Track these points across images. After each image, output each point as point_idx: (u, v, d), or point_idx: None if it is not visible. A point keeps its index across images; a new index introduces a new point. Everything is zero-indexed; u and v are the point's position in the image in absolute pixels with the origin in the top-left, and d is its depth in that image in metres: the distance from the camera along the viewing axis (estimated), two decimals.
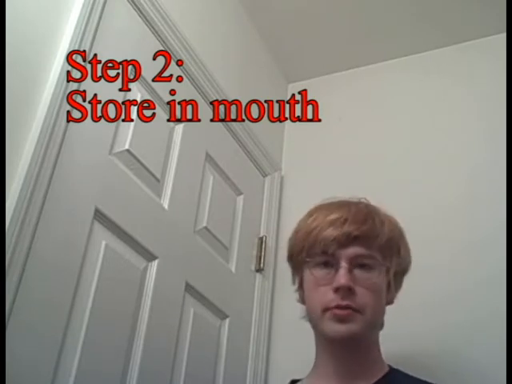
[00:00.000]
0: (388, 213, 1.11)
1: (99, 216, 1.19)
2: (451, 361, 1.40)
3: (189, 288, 1.43)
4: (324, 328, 1.03)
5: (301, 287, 1.12)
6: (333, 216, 1.06)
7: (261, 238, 1.78)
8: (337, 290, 1.01)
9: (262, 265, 1.73)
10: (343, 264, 1.03)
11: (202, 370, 1.43)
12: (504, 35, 1.75)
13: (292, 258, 1.13)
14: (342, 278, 1.01)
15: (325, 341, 1.06)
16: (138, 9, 1.41)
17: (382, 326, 1.08)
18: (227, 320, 1.56)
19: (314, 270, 1.06)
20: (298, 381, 1.14)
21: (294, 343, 1.63)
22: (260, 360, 1.62)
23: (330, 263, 1.05)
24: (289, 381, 1.16)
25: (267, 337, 1.67)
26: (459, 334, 1.43)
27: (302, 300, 1.12)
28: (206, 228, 1.53)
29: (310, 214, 1.11)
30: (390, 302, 1.09)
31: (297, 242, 1.11)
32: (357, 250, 1.04)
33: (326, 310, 1.02)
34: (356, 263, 1.04)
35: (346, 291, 1.01)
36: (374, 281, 1.04)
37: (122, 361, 1.19)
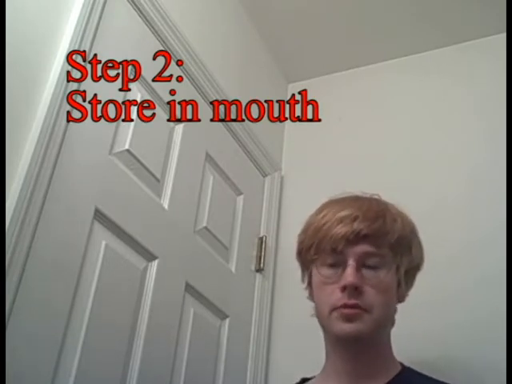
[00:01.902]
0: (400, 209, 1.09)
1: (99, 216, 1.19)
2: (450, 361, 1.40)
3: (189, 288, 1.43)
4: (331, 327, 1.01)
5: (309, 284, 1.11)
6: (343, 213, 1.04)
7: (261, 238, 1.78)
8: (344, 288, 1.00)
9: (261, 265, 1.73)
10: (351, 262, 1.01)
11: (202, 370, 1.43)
12: (504, 35, 1.75)
13: (301, 254, 1.11)
14: (349, 276, 1.00)
15: (333, 340, 1.05)
16: (138, 9, 1.41)
17: (392, 324, 1.07)
18: (227, 320, 1.56)
19: (321, 268, 1.05)
20: (308, 379, 1.13)
21: (294, 343, 1.63)
22: (260, 360, 1.62)
23: (338, 262, 1.03)
24: (299, 379, 1.15)
25: (267, 337, 1.67)
26: (459, 334, 1.43)
27: (312, 297, 1.10)
28: (206, 228, 1.53)
29: (320, 209, 1.09)
30: (401, 299, 1.08)
31: (306, 239, 1.09)
32: (365, 248, 1.02)
33: (333, 309, 1.01)
34: (364, 262, 1.02)
35: (353, 290, 0.99)
36: (381, 279, 1.02)
37: (122, 360, 1.19)
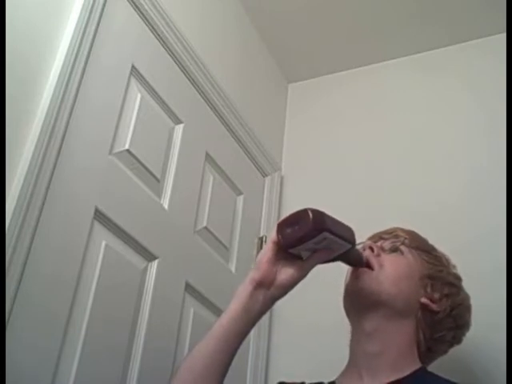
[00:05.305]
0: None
1: (99, 216, 1.19)
2: (450, 361, 1.39)
3: (189, 288, 1.43)
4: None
5: None
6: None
7: (261, 238, 1.78)
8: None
9: None
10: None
11: None
12: (504, 35, 1.75)
13: None
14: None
15: (345, 308, 1.08)
16: (138, 9, 1.41)
17: (408, 315, 1.05)
18: None
19: None
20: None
21: (294, 343, 1.63)
22: (260, 360, 1.62)
23: None
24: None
25: (267, 336, 1.67)
26: None
27: None
28: (206, 228, 1.53)
29: None
30: (427, 303, 1.08)
31: None
32: (393, 240, 1.12)
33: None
34: (390, 247, 1.10)
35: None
36: (400, 257, 1.08)
37: (122, 361, 1.19)
